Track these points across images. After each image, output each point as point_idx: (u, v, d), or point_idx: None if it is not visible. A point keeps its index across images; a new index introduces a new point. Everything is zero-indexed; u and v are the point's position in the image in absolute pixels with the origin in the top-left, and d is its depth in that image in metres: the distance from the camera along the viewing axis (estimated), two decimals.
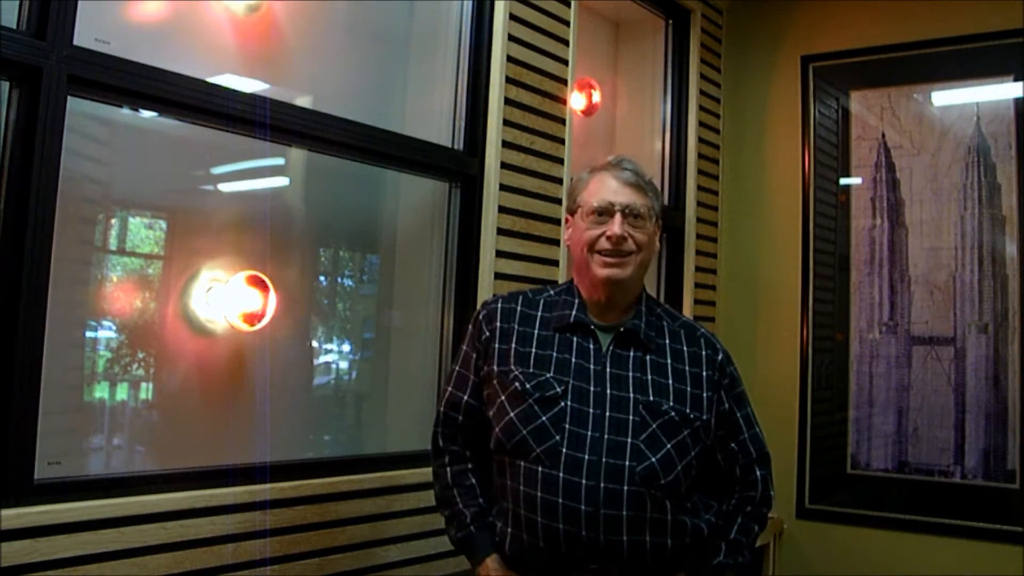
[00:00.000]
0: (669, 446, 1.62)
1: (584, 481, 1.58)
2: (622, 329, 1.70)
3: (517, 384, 1.67)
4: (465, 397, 1.76)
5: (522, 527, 1.63)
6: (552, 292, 1.79)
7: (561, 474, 1.59)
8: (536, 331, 1.72)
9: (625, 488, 1.58)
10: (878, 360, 3.28)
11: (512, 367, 1.69)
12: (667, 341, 1.73)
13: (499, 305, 1.77)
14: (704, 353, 1.73)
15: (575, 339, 1.70)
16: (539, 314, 1.75)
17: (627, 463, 1.59)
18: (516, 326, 1.73)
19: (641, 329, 1.70)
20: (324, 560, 1.93)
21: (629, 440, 1.60)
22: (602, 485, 1.57)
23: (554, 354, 1.68)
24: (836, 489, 3.30)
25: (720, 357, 1.75)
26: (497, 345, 1.72)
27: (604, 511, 1.57)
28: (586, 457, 1.59)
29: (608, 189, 1.69)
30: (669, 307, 1.84)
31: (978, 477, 3.07)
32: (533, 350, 1.70)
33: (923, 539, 3.10)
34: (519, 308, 1.76)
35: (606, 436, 1.61)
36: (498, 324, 1.74)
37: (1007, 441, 3.04)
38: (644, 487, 1.58)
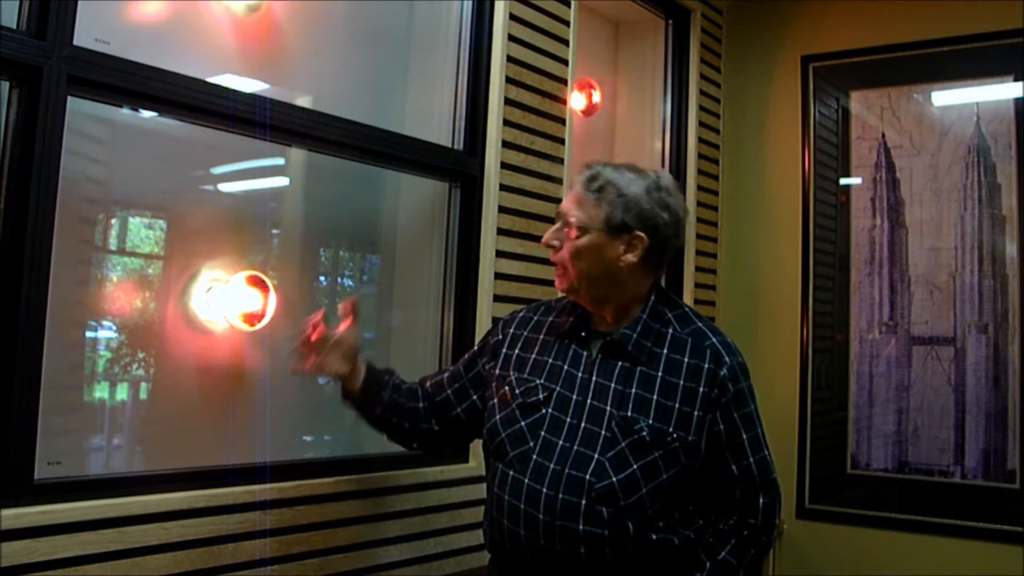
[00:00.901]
0: (635, 467, 1.55)
1: (544, 490, 1.56)
2: (609, 338, 1.65)
3: (507, 388, 1.69)
4: (444, 376, 1.86)
5: (495, 528, 1.66)
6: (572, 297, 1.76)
7: (526, 480, 1.59)
8: (541, 336, 1.73)
9: (583, 502, 1.54)
10: (878, 360, 3.28)
11: (510, 372, 1.71)
12: (664, 351, 1.63)
13: (520, 313, 1.82)
14: (706, 367, 1.60)
15: (572, 346, 1.69)
16: (550, 320, 1.76)
17: (588, 477, 1.55)
18: (526, 333, 1.76)
19: (631, 339, 1.63)
20: (324, 560, 1.93)
21: (596, 455, 1.56)
22: (560, 496, 1.55)
23: (550, 360, 1.68)
24: (836, 489, 3.30)
25: (724, 372, 1.60)
26: (505, 350, 1.76)
27: (560, 523, 1.54)
28: (551, 466, 1.57)
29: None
30: (690, 311, 1.72)
31: (978, 477, 3.07)
32: (533, 356, 1.71)
33: (923, 539, 3.10)
34: (535, 317, 1.79)
35: (575, 448, 1.58)
36: (512, 330, 1.78)
37: (1007, 441, 3.04)
38: (602, 504, 1.53)
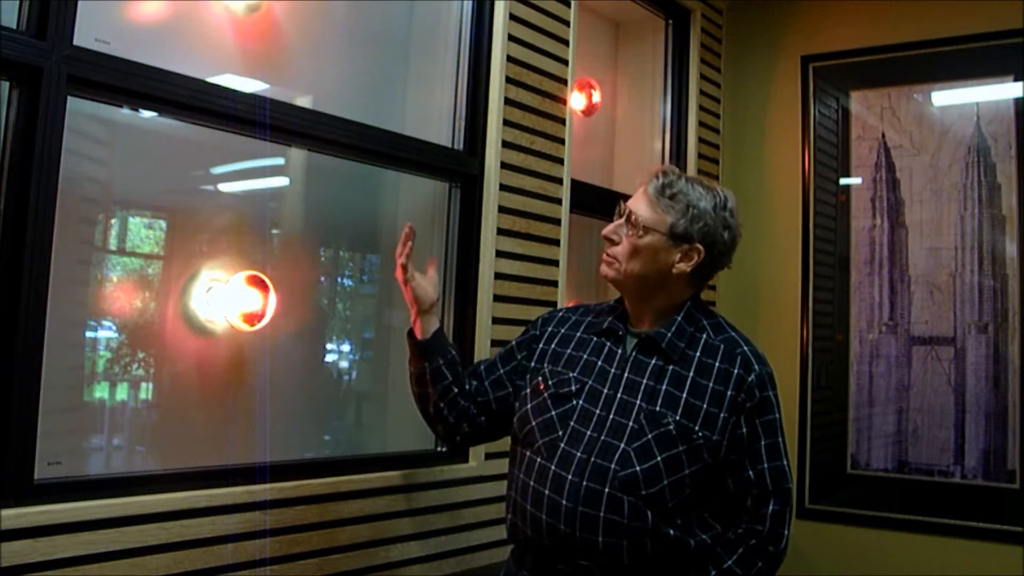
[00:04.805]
0: (659, 459, 1.59)
1: (570, 477, 1.61)
2: (644, 335, 1.71)
3: (541, 378, 1.75)
4: (481, 367, 1.89)
5: (516, 513, 1.69)
6: (613, 301, 1.84)
7: (553, 467, 1.63)
8: (578, 334, 1.79)
9: (606, 490, 1.58)
10: (878, 360, 3.28)
11: (544, 365, 1.77)
12: (697, 353, 1.67)
13: (560, 312, 1.89)
14: (736, 372, 1.65)
15: (608, 343, 1.74)
16: (588, 320, 1.82)
17: (612, 466, 1.59)
18: (563, 330, 1.82)
19: (665, 337, 1.67)
20: (324, 560, 1.93)
21: (622, 445, 1.60)
22: (585, 483, 1.59)
23: (584, 356, 1.74)
24: (836, 489, 3.30)
25: (752, 378, 1.65)
26: (541, 345, 1.82)
27: (582, 509, 1.58)
28: (578, 455, 1.62)
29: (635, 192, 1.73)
30: (724, 321, 1.76)
31: (978, 477, 3.07)
32: (568, 351, 1.77)
33: (923, 539, 3.10)
34: (575, 317, 1.85)
35: (602, 438, 1.62)
36: (550, 328, 1.84)
37: (1007, 441, 3.04)
38: (624, 493, 1.57)
